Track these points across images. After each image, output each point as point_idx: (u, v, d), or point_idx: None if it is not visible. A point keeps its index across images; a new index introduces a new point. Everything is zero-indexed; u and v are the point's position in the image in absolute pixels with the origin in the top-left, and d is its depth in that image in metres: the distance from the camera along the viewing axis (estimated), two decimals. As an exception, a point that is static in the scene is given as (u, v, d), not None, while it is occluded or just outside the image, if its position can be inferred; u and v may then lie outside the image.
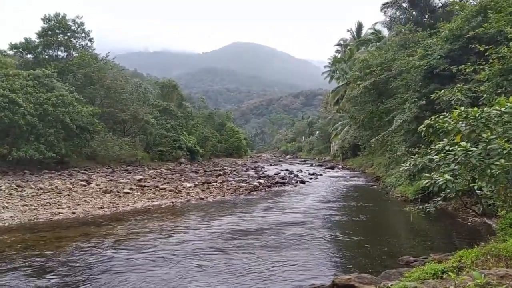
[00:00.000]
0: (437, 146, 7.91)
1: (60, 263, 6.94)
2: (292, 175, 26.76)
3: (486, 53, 11.82)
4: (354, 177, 27.02)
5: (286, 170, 31.94)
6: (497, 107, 7.65)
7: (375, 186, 20.45)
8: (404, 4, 27.41)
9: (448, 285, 3.88)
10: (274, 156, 75.20)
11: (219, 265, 6.84)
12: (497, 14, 13.59)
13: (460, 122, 7.89)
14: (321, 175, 28.23)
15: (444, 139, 8.03)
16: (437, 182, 7.18)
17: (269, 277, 6.26)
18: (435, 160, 7.70)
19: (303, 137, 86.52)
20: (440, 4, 25.61)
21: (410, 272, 4.81)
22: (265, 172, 29.38)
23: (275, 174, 27.23)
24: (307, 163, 47.02)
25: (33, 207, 11.65)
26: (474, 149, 7.05)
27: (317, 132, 70.81)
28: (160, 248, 7.93)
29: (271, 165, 42.49)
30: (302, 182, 22.60)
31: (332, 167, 36.97)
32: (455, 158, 7.30)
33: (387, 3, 27.96)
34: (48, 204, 12.25)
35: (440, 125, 8.46)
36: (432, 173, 7.81)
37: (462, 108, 8.36)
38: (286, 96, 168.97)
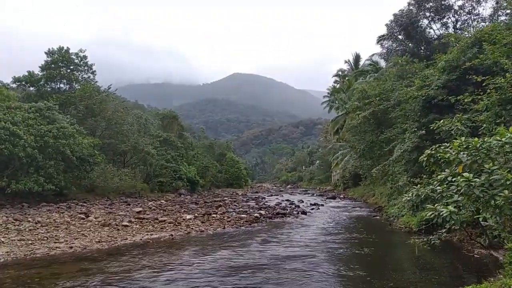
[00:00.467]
0: (439, 177, 7.84)
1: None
2: (293, 206, 26.44)
3: (484, 84, 11.97)
4: (356, 207, 26.69)
5: (287, 200, 31.62)
6: (497, 138, 7.64)
7: (378, 217, 20.15)
8: (400, 37, 28.11)
9: None
10: (275, 186, 74.76)
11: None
12: (492, 46, 13.89)
13: (462, 153, 7.87)
14: (322, 205, 27.91)
15: (446, 170, 7.98)
16: (441, 214, 7.07)
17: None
18: (438, 191, 7.62)
19: (303, 167, 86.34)
20: (435, 36, 26.26)
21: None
22: (266, 203, 29.06)
23: (276, 205, 26.93)
24: (308, 193, 46.64)
25: (30, 242, 11.41)
26: (477, 179, 6.98)
27: (318, 161, 70.74)
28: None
29: (272, 195, 42.12)
30: (304, 213, 22.29)
31: (333, 197, 36.63)
32: (458, 189, 7.23)
33: (383, 35, 28.69)
34: (45, 238, 12.01)
35: (442, 156, 8.43)
36: (436, 205, 7.69)
37: (463, 138, 8.38)
38: (285, 125, 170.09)
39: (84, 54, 35.25)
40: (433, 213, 7.35)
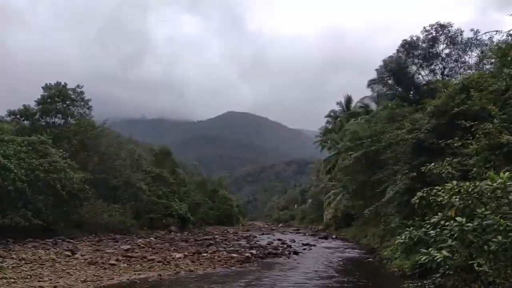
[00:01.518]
0: (432, 221, 7.88)
1: None
2: (285, 245, 26.02)
3: (472, 129, 12.30)
4: (348, 248, 26.32)
5: (279, 239, 31.11)
6: (489, 182, 7.78)
7: (371, 259, 19.86)
8: (389, 81, 29.03)
9: None
10: (267, 225, 73.68)
11: None
12: (479, 93, 14.39)
13: (454, 197, 7.97)
14: (314, 245, 27.48)
15: (439, 213, 8.03)
16: (435, 258, 7.05)
17: None
18: (432, 234, 7.63)
19: (295, 205, 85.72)
20: (424, 82, 27.15)
21: None
22: (257, 242, 28.56)
23: (267, 244, 26.47)
24: (300, 232, 45.97)
25: (12, 280, 11.00)
26: (470, 224, 7.03)
27: (310, 200, 70.36)
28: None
29: (263, 234, 41.45)
30: (296, 253, 21.92)
31: (325, 237, 36.13)
32: (451, 233, 7.26)
33: (374, 79, 29.63)
34: (29, 276, 11.60)
35: (434, 199, 8.53)
36: (430, 249, 7.69)
37: (454, 182, 8.52)
38: (278, 163, 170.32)
39: (81, 90, 35.68)
40: (427, 258, 7.34)
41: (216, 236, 33.59)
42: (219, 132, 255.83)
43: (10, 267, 12.69)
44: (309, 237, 37.11)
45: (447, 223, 7.45)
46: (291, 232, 46.15)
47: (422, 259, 7.40)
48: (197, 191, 54.47)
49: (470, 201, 7.75)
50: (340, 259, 20.30)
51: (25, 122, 33.91)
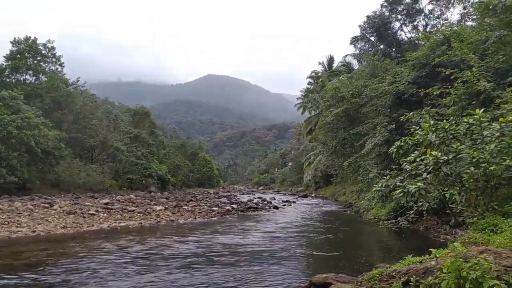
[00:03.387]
0: (409, 158, 8.04)
1: (13, 275, 6.29)
2: (266, 202, 26.45)
3: (452, 77, 12.41)
4: (327, 204, 27.01)
5: (259, 198, 31.61)
6: (465, 120, 7.93)
7: (348, 211, 20.46)
8: (372, 38, 28.82)
9: (428, 264, 3.75)
10: (247, 188, 74.63)
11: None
12: (460, 43, 14.47)
13: (430, 134, 8.11)
14: (294, 202, 28.07)
15: (416, 151, 8.19)
16: (410, 190, 7.23)
17: (248, 280, 5.92)
18: (408, 169, 7.80)
19: (276, 169, 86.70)
20: (406, 39, 27.08)
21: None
22: (238, 199, 28.92)
23: (248, 201, 26.83)
24: (280, 193, 46.85)
25: (-12, 226, 10.78)
26: (444, 157, 7.21)
27: (290, 163, 71.26)
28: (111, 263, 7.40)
29: (244, 194, 42.00)
30: (276, 207, 22.33)
31: (305, 196, 36.95)
32: (426, 167, 7.43)
33: (356, 37, 29.31)
34: (6, 223, 11.37)
35: (411, 139, 8.67)
36: (404, 182, 7.89)
37: (432, 122, 8.65)
38: (259, 128, 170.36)
39: (52, 45, 33.95)
40: (402, 191, 7.53)
41: (197, 195, 33.79)
42: (199, 96, 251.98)
43: (-15, 216, 12.41)
44: (289, 196, 37.86)
45: (422, 157, 7.63)
46: (271, 193, 46.92)
47: (397, 192, 7.61)
48: (176, 153, 54.08)
49: (446, 138, 7.95)
50: (319, 212, 20.82)
51: (-6, 79, 32.30)
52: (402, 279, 3.76)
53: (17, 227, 10.97)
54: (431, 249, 3.74)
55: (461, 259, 3.10)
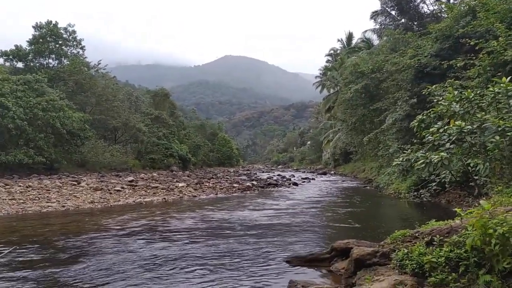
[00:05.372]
0: (431, 129, 7.95)
1: (46, 242, 6.70)
2: (285, 179, 26.67)
3: (477, 47, 12.05)
4: (346, 180, 27.05)
5: (279, 175, 31.88)
6: (491, 89, 7.75)
7: (368, 187, 20.46)
8: (393, 12, 27.97)
9: (453, 223, 3.83)
10: (266, 166, 75.10)
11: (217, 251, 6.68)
12: (485, 12, 13.94)
13: (454, 104, 7.97)
14: (313, 179, 28.21)
15: (439, 122, 8.08)
16: (432, 160, 7.18)
17: (268, 249, 6.14)
18: (430, 139, 7.73)
19: (294, 148, 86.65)
20: (428, 12, 26.18)
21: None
22: (257, 177, 29.25)
23: (267, 178, 27.12)
24: (299, 171, 47.04)
25: (21, 201, 11.37)
26: (469, 127, 7.10)
27: (309, 142, 71.00)
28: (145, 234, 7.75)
29: (263, 172, 42.38)
30: (295, 184, 22.52)
31: (324, 173, 37.01)
32: (449, 138, 7.34)
33: (376, 11, 28.51)
34: (37, 198, 11.97)
35: (434, 110, 8.53)
36: (427, 153, 7.83)
37: (456, 92, 8.47)
38: (277, 108, 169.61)
39: (73, 29, 34.48)
40: (424, 161, 7.49)
41: (217, 173, 34.33)
42: (217, 77, 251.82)
43: (18, 192, 13.06)
44: (308, 173, 38.00)
45: (446, 127, 7.53)
46: (290, 171, 47.16)
47: (419, 163, 7.57)
48: (196, 133, 54.72)
49: (470, 108, 7.79)
50: (339, 188, 20.91)
51: (19, 64, 33.16)
52: (425, 239, 3.84)
53: (47, 202, 11.54)
54: (455, 209, 3.78)
55: (487, 216, 3.14)
